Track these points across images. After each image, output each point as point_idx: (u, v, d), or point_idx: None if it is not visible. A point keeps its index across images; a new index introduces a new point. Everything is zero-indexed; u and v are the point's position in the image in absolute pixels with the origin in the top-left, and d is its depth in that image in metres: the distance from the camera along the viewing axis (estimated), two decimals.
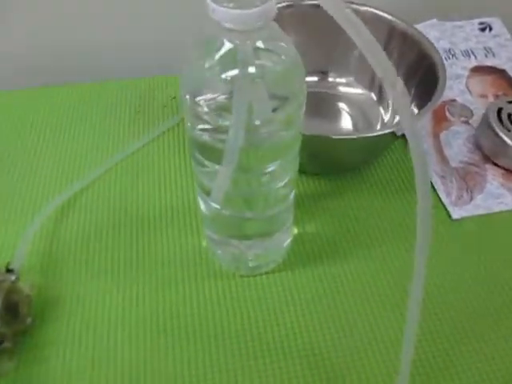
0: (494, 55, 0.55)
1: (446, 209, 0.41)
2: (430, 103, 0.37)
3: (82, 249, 0.38)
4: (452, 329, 0.34)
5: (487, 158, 0.45)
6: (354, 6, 0.46)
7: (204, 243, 0.39)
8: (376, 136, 0.37)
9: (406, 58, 0.44)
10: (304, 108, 0.28)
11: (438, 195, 0.42)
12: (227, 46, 0.23)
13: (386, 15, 0.45)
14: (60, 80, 0.53)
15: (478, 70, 0.53)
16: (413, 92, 0.43)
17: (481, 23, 0.58)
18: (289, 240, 0.37)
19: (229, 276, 0.37)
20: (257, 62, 0.24)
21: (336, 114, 0.48)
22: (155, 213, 0.41)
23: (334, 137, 0.35)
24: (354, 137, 0.36)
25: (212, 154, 0.27)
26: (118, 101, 0.51)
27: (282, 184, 0.30)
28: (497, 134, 0.43)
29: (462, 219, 0.40)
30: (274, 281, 0.36)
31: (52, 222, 0.40)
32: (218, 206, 0.31)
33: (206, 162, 0.28)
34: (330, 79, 0.49)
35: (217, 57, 0.24)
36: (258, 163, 0.28)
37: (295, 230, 0.39)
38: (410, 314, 0.26)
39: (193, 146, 0.29)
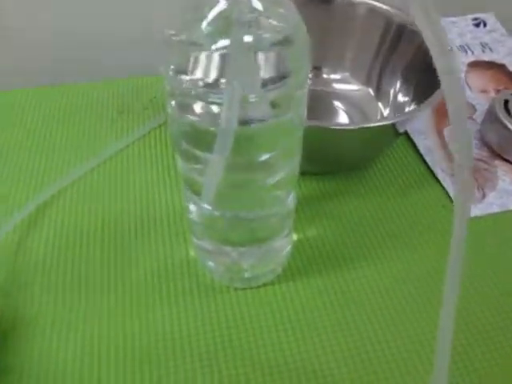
0: (491, 50, 0.52)
1: None
2: (436, 93, 0.34)
3: (52, 262, 0.33)
4: (465, 330, 0.30)
5: (495, 154, 0.42)
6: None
7: (192, 253, 0.34)
8: (376, 128, 0.33)
9: (406, 50, 0.41)
10: (306, 88, 0.24)
11: (447, 193, 0.38)
12: (221, 5, 0.19)
13: (383, 6, 0.42)
14: (40, 81, 0.49)
15: (476, 64, 0.51)
16: (414, 85, 0.40)
17: (475, 19, 0.56)
18: (288, 247, 0.33)
19: (222, 289, 0.32)
20: (253, 30, 0.20)
21: (332, 113, 0.44)
22: (136, 220, 0.36)
23: (332, 127, 0.31)
24: (353, 127, 0.32)
25: (203, 140, 0.23)
26: (99, 102, 0.47)
27: (278, 178, 0.26)
28: (505, 127, 0.40)
29: (476, 218, 0.37)
30: (274, 293, 0.32)
31: (18, 232, 0.35)
32: (209, 207, 0.27)
33: (197, 152, 0.23)
34: (325, 76, 0.46)
35: (208, 20, 0.20)
36: (250, 151, 0.24)
37: (295, 237, 0.35)
38: (441, 335, 0.21)
39: (179, 137, 0.24)
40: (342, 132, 0.33)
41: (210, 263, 0.32)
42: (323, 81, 0.46)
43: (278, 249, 0.32)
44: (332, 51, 0.45)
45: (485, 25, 0.55)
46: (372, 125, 0.33)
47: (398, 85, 0.42)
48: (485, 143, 0.43)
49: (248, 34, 0.19)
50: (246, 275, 0.31)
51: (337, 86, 0.46)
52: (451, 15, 0.55)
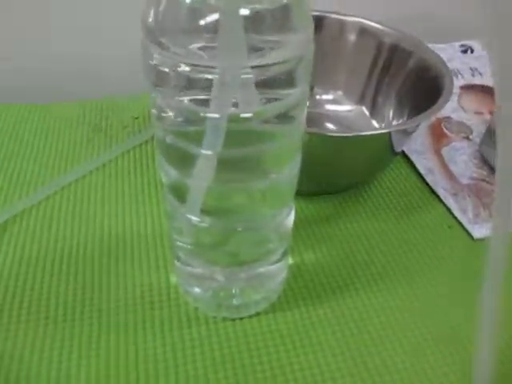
0: (481, 74, 0.52)
1: (464, 228, 0.34)
2: (433, 107, 0.32)
3: (15, 292, 0.28)
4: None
5: None
6: (341, 17, 0.42)
7: (174, 279, 0.30)
8: (373, 138, 0.31)
9: (400, 69, 0.40)
10: (309, 71, 0.21)
11: (452, 214, 0.35)
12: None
13: (375, 25, 0.41)
14: (20, 99, 0.45)
15: (469, 88, 0.50)
16: (410, 103, 0.38)
17: (462, 45, 0.55)
18: (284, 272, 0.29)
19: (207, 320, 0.28)
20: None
21: None
22: (110, 244, 0.32)
23: (329, 134, 0.29)
24: (349, 134, 0.29)
25: (193, 131, 0.19)
26: (74, 121, 0.43)
27: (273, 183, 0.22)
28: None
29: (485, 238, 0.34)
30: (268, 324, 0.28)
31: None
32: (195, 218, 0.23)
33: (184, 146, 0.20)
34: (316, 96, 0.44)
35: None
36: (243, 148, 0.21)
37: (291, 260, 0.31)
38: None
39: (166, 131, 0.21)
40: (338, 140, 0.30)
41: (195, 289, 0.28)
42: (315, 102, 0.44)
43: (272, 273, 0.28)
44: (324, 71, 0.43)
45: (472, 51, 0.55)
46: (369, 133, 0.30)
47: (394, 102, 0.40)
48: (485, 162, 0.40)
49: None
50: (235, 302, 0.27)
51: (329, 107, 0.44)
52: (439, 42, 0.55)
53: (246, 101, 0.17)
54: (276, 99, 0.19)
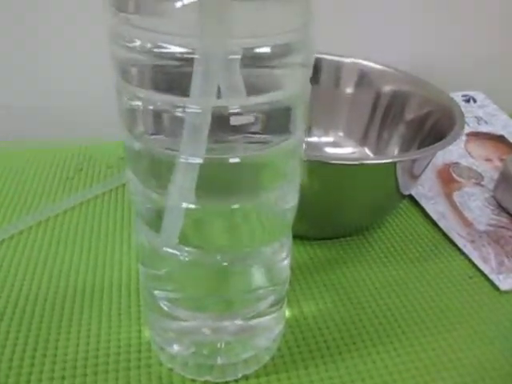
0: (486, 123, 0.50)
1: (488, 278, 0.30)
2: (452, 133, 0.29)
3: None
4: None
5: None
6: (340, 59, 0.40)
7: (147, 334, 0.25)
8: (379, 167, 0.27)
9: (407, 107, 0.37)
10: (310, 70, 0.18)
11: (472, 262, 0.31)
12: None
13: (376, 66, 0.39)
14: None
15: (475, 135, 0.47)
16: (417, 143, 0.35)
17: (464, 95, 0.54)
18: (279, 326, 0.24)
19: None
20: None
21: None
22: (76, 289, 0.27)
23: (332, 162, 0.25)
24: (354, 163, 0.26)
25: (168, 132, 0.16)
26: (55, 160, 0.40)
27: (266, 209, 0.19)
28: None
29: None
30: None
31: None
32: (174, 251, 0.19)
33: (157, 152, 0.16)
34: (314, 139, 0.41)
35: None
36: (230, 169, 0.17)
37: (288, 313, 0.26)
38: None
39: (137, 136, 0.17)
40: (342, 170, 0.26)
41: (173, 346, 0.23)
42: (312, 145, 0.41)
43: (264, 326, 0.23)
44: (323, 109, 0.40)
45: (475, 101, 0.53)
46: (375, 161, 0.27)
47: (400, 141, 0.37)
48: (503, 209, 0.37)
49: None
50: (220, 361, 0.22)
51: (329, 150, 0.41)
52: None
53: (232, 91, 0.14)
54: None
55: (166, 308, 0.22)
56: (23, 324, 0.25)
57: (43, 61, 0.44)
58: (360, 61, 0.40)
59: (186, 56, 0.13)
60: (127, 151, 0.17)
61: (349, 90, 0.40)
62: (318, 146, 0.41)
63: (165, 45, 0.14)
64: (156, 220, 0.19)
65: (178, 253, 0.19)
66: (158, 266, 0.21)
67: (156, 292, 0.22)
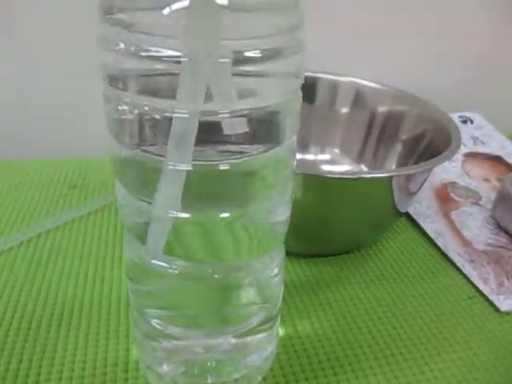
0: (483, 143, 0.49)
1: (487, 299, 0.29)
2: (450, 148, 0.28)
3: None
4: None
5: None
6: (335, 77, 0.40)
7: (134, 353, 0.24)
8: (376, 182, 0.27)
9: (404, 124, 0.37)
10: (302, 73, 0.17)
11: (472, 282, 0.30)
12: None
13: (371, 84, 0.39)
14: None
15: (472, 155, 0.47)
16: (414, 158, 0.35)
17: (460, 116, 0.54)
18: (272, 345, 0.24)
19: None
20: None
21: None
22: (64, 306, 0.27)
23: (328, 175, 0.25)
24: (352, 177, 0.26)
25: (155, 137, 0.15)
26: (54, 177, 0.40)
27: (256, 218, 0.18)
28: None
29: None
30: None
31: None
32: (163, 264, 0.18)
33: (143, 158, 0.16)
34: (311, 156, 0.41)
35: None
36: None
37: (281, 331, 0.26)
38: None
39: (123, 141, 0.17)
40: (339, 184, 0.26)
41: (163, 366, 0.22)
42: (309, 163, 0.41)
43: (256, 344, 0.22)
44: (320, 129, 0.40)
45: (471, 122, 0.53)
46: (372, 175, 0.26)
47: (397, 158, 0.36)
48: (501, 228, 0.36)
49: None
50: (211, 380, 0.21)
51: (326, 167, 0.41)
52: None
53: (222, 94, 0.14)
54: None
55: (157, 326, 0.21)
56: (7, 342, 0.24)
57: (42, 86, 0.44)
58: (356, 79, 0.40)
59: (173, 59, 0.13)
60: (114, 160, 0.17)
61: (345, 109, 0.40)
62: (314, 164, 0.41)
63: (152, 48, 0.13)
64: (144, 231, 0.18)
65: (166, 265, 0.19)
66: (148, 281, 0.20)
67: (147, 310, 0.21)
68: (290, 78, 0.15)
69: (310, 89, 0.40)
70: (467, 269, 0.32)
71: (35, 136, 0.45)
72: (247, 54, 0.13)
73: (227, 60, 0.13)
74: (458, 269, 0.32)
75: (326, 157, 0.41)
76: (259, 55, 0.14)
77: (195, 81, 0.13)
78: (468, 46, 0.55)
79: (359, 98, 0.40)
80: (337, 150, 0.40)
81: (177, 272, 0.18)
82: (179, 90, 0.13)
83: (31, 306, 0.26)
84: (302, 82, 0.16)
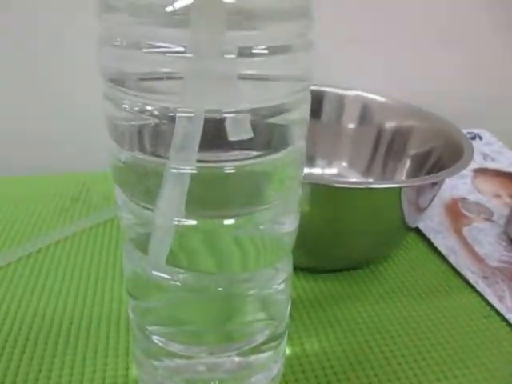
0: (493, 160, 0.49)
1: (504, 318, 0.28)
2: (462, 160, 0.28)
3: None
4: None
5: None
6: (339, 91, 0.40)
7: (134, 372, 0.23)
8: (385, 191, 0.26)
9: (413, 137, 0.37)
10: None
11: (486, 300, 0.29)
12: None
13: (377, 98, 0.39)
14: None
15: (483, 171, 0.46)
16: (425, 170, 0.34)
17: (469, 133, 0.53)
18: (279, 365, 0.22)
19: None
20: None
21: None
22: (62, 322, 0.25)
23: (336, 185, 0.24)
24: (360, 186, 0.25)
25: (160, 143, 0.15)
26: (57, 191, 0.39)
27: (263, 226, 0.17)
28: None
29: None
30: None
31: None
32: (165, 275, 0.17)
33: (144, 162, 0.15)
34: (318, 170, 0.40)
35: None
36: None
37: (288, 350, 0.24)
38: None
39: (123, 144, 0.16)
40: (347, 194, 0.25)
41: None
42: (316, 177, 0.40)
43: (262, 363, 0.21)
44: (327, 143, 0.40)
45: (480, 138, 0.53)
46: (381, 186, 0.25)
47: (406, 172, 0.36)
48: None
49: None
50: None
51: None
52: None
53: (227, 91, 0.13)
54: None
55: (159, 343, 0.20)
56: (1, 362, 0.23)
57: (45, 100, 0.44)
58: (363, 93, 0.39)
59: (177, 54, 0.13)
60: (114, 165, 0.16)
61: (352, 125, 0.39)
62: (321, 177, 0.40)
63: (158, 44, 0.13)
64: (146, 241, 0.17)
65: (168, 277, 0.18)
66: (150, 295, 0.20)
67: (148, 327, 0.20)
68: (298, 76, 0.15)
69: (315, 103, 0.39)
70: (481, 286, 0.30)
71: (35, 152, 0.44)
72: (254, 50, 0.13)
73: (233, 56, 0.13)
74: (471, 286, 0.31)
75: (334, 170, 0.40)
76: (266, 51, 0.13)
77: (200, 77, 0.13)
78: (477, 61, 0.55)
79: (366, 113, 0.39)
80: (344, 164, 0.39)
81: (179, 284, 0.17)
82: (183, 87, 0.13)
83: (28, 321, 0.25)
84: (311, 82, 0.15)
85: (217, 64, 0.13)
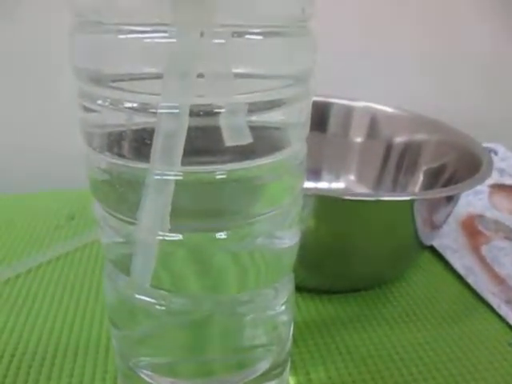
0: (510, 175, 0.46)
1: None
2: (481, 172, 0.26)
3: None
4: None
5: None
6: (346, 102, 0.38)
7: None
8: (397, 205, 0.24)
9: (426, 150, 0.35)
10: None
11: (510, 326, 0.27)
12: None
13: (385, 109, 0.37)
14: None
15: (500, 187, 0.44)
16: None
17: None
18: None
19: None
20: None
21: None
22: (48, 346, 0.24)
23: (345, 197, 0.22)
24: (372, 199, 0.23)
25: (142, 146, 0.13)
26: (52, 208, 0.38)
27: (259, 242, 0.15)
28: None
29: None
30: None
31: None
32: (150, 299, 0.15)
33: (123, 170, 0.13)
34: (324, 184, 0.38)
35: None
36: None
37: (292, 381, 0.22)
38: None
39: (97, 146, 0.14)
40: (355, 208, 0.23)
41: None
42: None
43: None
44: (333, 157, 0.38)
45: (496, 153, 0.51)
46: (392, 198, 0.23)
47: (419, 186, 0.34)
48: None
49: None
50: None
51: None
52: None
53: (217, 83, 0.11)
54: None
55: (146, 378, 0.18)
56: None
57: (43, 119, 0.43)
58: (371, 104, 0.38)
59: (158, 40, 0.11)
60: (91, 176, 0.15)
61: (360, 138, 0.38)
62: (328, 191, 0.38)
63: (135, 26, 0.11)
64: (128, 261, 0.15)
65: (153, 301, 0.16)
66: (134, 324, 0.18)
67: (133, 360, 0.18)
68: (295, 67, 0.13)
69: (321, 115, 0.38)
70: (504, 310, 0.28)
71: (33, 168, 0.43)
72: (247, 34, 0.11)
73: (223, 41, 0.11)
74: (492, 310, 0.28)
75: (341, 185, 0.38)
76: (260, 37, 0.11)
77: (184, 65, 0.11)
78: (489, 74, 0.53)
79: (375, 125, 0.37)
80: (352, 178, 0.37)
81: (164, 309, 0.15)
82: (165, 78, 0.11)
83: (11, 347, 0.24)
84: (310, 76, 0.14)
85: (204, 49, 0.11)
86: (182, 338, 0.17)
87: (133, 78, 0.12)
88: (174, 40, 0.11)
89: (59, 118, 0.42)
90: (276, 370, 0.19)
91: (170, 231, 0.14)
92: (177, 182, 0.13)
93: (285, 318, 0.18)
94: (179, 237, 0.14)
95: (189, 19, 0.10)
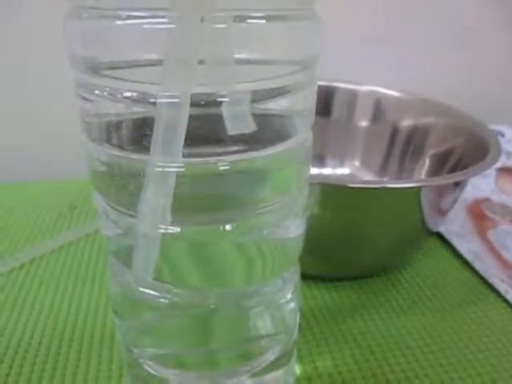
0: None
1: None
2: (489, 157, 0.25)
3: None
4: None
5: None
6: (351, 87, 0.37)
7: None
8: (404, 192, 0.23)
9: (433, 134, 0.34)
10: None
11: None
12: None
13: (391, 93, 0.36)
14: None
15: (506, 170, 0.43)
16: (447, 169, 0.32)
17: None
18: None
19: None
20: None
21: None
22: (52, 339, 0.23)
23: (350, 185, 0.21)
24: (376, 186, 0.22)
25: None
26: (54, 198, 0.37)
27: (265, 232, 0.15)
28: None
29: None
30: None
31: None
32: (153, 292, 0.15)
33: (122, 161, 0.13)
34: (329, 170, 0.38)
35: None
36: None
37: (298, 369, 0.22)
38: None
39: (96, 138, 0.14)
40: (361, 195, 0.22)
41: None
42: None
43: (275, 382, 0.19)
44: (337, 142, 0.37)
45: (502, 135, 0.50)
46: (398, 185, 0.23)
47: (425, 170, 0.33)
48: None
49: None
50: None
51: None
52: None
53: (218, 71, 0.11)
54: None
55: (149, 369, 0.18)
56: None
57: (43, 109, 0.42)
58: (377, 88, 0.37)
59: (157, 25, 0.11)
60: (91, 167, 0.14)
61: (365, 122, 0.37)
62: (333, 178, 0.38)
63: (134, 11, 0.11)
64: (130, 253, 0.15)
65: (156, 294, 0.15)
66: (138, 315, 0.17)
67: (138, 351, 0.18)
68: (300, 52, 0.12)
69: (325, 99, 0.37)
70: (511, 295, 0.28)
71: (37, 157, 0.43)
72: (249, 18, 0.11)
73: (224, 26, 0.10)
74: (500, 295, 0.28)
75: (346, 170, 0.37)
76: (263, 21, 0.11)
77: (184, 52, 0.10)
78: (492, 57, 0.52)
79: (380, 109, 0.37)
80: (357, 163, 0.37)
81: (167, 302, 0.15)
82: (165, 65, 0.11)
83: (16, 338, 0.23)
84: (315, 63, 0.13)
85: (206, 34, 0.10)
86: (187, 329, 0.17)
87: (131, 65, 0.12)
88: (173, 25, 0.10)
89: (62, 107, 0.41)
90: (283, 358, 0.18)
91: (174, 224, 0.13)
92: (179, 174, 0.12)
93: (292, 306, 0.18)
94: (180, 229, 0.14)
95: (189, 3, 0.10)
